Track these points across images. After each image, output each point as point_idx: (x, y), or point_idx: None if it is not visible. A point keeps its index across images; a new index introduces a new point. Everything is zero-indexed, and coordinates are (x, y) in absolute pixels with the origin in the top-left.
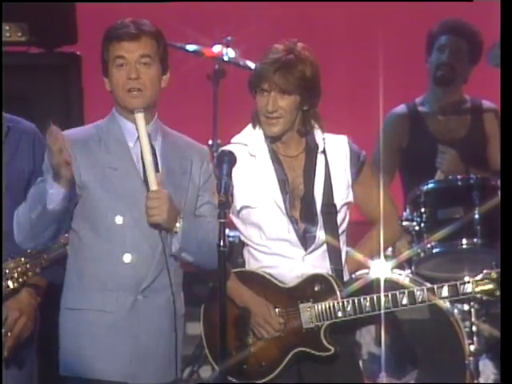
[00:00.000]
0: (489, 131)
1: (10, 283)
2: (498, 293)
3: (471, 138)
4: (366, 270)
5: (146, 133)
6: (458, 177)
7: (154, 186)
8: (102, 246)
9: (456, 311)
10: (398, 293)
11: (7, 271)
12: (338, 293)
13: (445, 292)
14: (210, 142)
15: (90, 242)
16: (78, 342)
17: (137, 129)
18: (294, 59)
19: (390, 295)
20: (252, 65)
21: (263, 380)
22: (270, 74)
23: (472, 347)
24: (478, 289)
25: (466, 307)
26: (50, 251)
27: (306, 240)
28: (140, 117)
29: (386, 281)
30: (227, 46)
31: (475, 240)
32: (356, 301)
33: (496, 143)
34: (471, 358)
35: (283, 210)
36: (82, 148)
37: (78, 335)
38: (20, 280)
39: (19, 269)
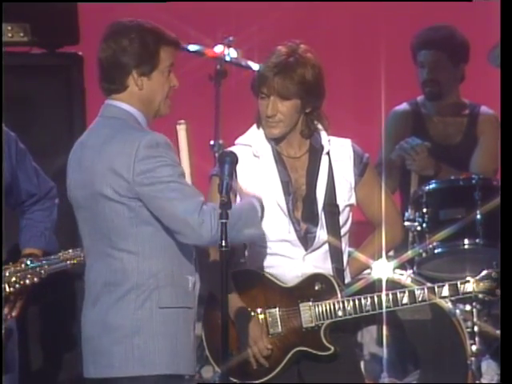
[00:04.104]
0: (479, 137)
1: (6, 287)
2: (498, 292)
3: (465, 144)
4: (368, 271)
5: (187, 143)
6: (460, 177)
7: None
8: (182, 243)
9: (458, 311)
10: (398, 292)
11: (7, 274)
12: (338, 292)
13: (445, 291)
14: (212, 142)
15: (175, 241)
16: (175, 339)
17: (177, 139)
18: (294, 62)
19: (390, 294)
20: (254, 65)
21: (263, 379)
22: (269, 78)
23: (474, 347)
24: (478, 288)
25: (467, 307)
26: (51, 263)
27: (306, 240)
28: (183, 128)
29: (387, 281)
30: (229, 47)
31: (477, 240)
32: (356, 300)
33: (481, 149)
34: (473, 359)
35: (285, 211)
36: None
37: (175, 333)
38: (17, 285)
39: (19, 274)
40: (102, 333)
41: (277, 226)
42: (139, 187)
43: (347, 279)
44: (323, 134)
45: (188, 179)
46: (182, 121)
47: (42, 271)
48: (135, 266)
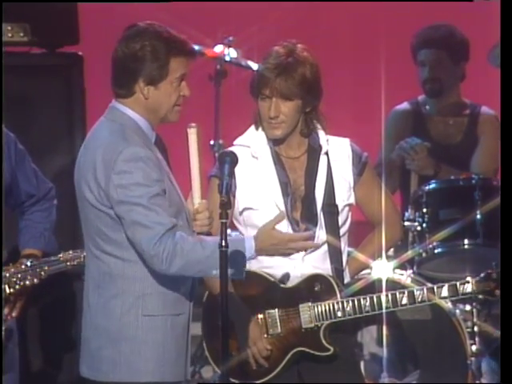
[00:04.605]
0: (480, 137)
1: (6, 287)
2: (498, 293)
3: (465, 144)
4: (367, 271)
5: (197, 147)
6: (460, 177)
7: (198, 199)
8: None
9: (458, 311)
10: (397, 293)
11: (7, 275)
12: (337, 293)
13: (445, 292)
14: (212, 142)
15: None
16: (162, 347)
17: (188, 143)
18: (294, 62)
19: (389, 295)
20: (254, 65)
21: (263, 380)
22: (270, 79)
23: (474, 347)
24: (478, 289)
25: (467, 307)
26: (51, 264)
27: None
28: (193, 132)
29: (387, 281)
30: (229, 46)
31: (477, 240)
32: (355, 301)
33: (481, 149)
34: (473, 359)
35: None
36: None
37: (162, 341)
38: (17, 286)
39: (19, 275)
40: (92, 335)
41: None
42: (111, 201)
43: (347, 279)
44: (321, 133)
45: (197, 183)
46: (193, 124)
47: (42, 272)
48: (121, 270)
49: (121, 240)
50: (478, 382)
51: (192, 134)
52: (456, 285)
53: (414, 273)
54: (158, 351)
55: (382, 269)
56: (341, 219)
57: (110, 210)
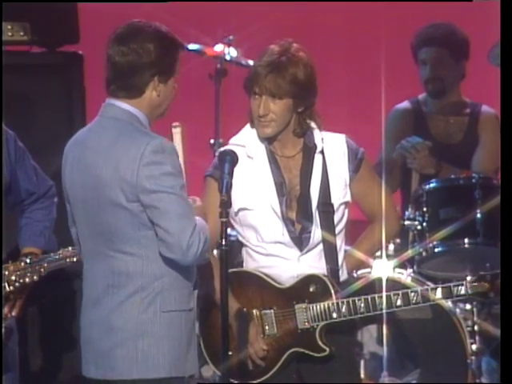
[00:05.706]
0: (480, 136)
1: (6, 285)
2: (491, 294)
3: (466, 143)
4: (368, 269)
5: (181, 146)
6: (460, 176)
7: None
8: None
9: (458, 310)
10: (392, 294)
11: (6, 273)
12: (333, 293)
13: (439, 294)
14: (212, 141)
15: None
16: (178, 342)
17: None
18: (286, 62)
19: (384, 296)
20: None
21: (259, 380)
22: (261, 77)
23: (474, 346)
24: (471, 290)
25: (468, 306)
26: (50, 261)
27: (301, 241)
28: (178, 131)
29: (387, 280)
30: (229, 45)
31: (477, 239)
32: (351, 302)
33: (482, 148)
34: (473, 358)
35: (279, 213)
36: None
37: (178, 336)
38: (17, 284)
39: (18, 272)
40: (103, 335)
41: (271, 228)
42: (141, 192)
43: (343, 277)
44: (316, 132)
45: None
46: (177, 123)
47: (42, 269)
48: (139, 268)
49: (140, 238)
50: (478, 381)
51: (177, 134)
52: (450, 287)
53: (414, 272)
54: (174, 346)
55: (382, 268)
56: (337, 218)
57: (133, 205)
